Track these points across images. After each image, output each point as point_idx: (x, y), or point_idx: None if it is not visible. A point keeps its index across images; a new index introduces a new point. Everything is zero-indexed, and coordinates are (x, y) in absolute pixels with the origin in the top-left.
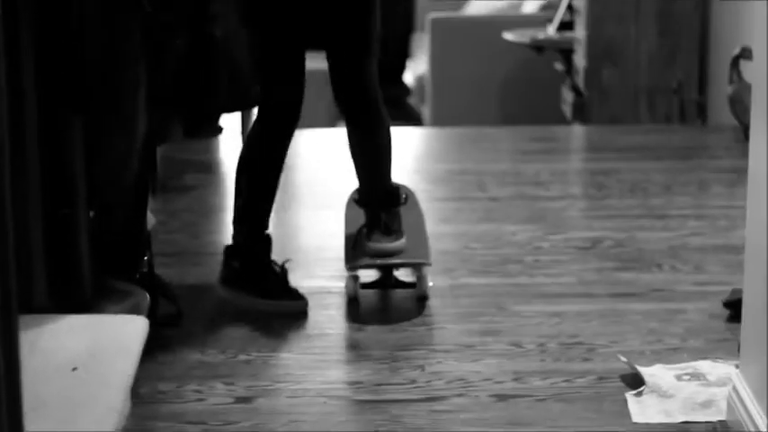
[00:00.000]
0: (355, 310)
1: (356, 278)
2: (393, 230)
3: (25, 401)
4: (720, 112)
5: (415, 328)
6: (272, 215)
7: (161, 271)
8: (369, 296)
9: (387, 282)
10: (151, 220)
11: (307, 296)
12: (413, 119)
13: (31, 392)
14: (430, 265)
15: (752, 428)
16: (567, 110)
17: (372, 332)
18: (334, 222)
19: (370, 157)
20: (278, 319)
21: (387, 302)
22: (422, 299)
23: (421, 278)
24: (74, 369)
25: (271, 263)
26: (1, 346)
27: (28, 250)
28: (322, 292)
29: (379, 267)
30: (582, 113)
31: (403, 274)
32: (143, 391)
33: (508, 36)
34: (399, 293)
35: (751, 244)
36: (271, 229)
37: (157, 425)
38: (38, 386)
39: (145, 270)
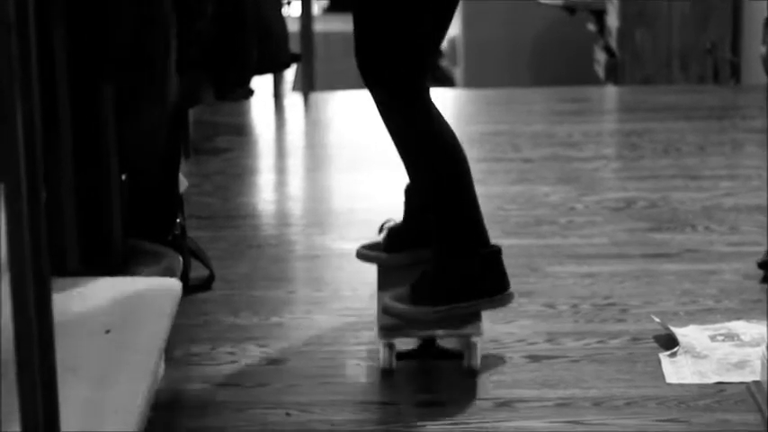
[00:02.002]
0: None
1: (392, 346)
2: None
3: (59, 364)
4: (754, 71)
5: None
6: (303, 177)
7: (193, 234)
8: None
9: (428, 351)
10: (183, 182)
11: (338, 258)
12: (445, 81)
13: (64, 355)
14: (481, 336)
15: None
16: (600, 70)
17: None
18: (363, 185)
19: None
20: (310, 282)
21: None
22: (471, 372)
23: (471, 347)
24: (107, 332)
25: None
26: (35, 310)
27: (60, 213)
28: (354, 254)
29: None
30: (615, 74)
31: (448, 341)
32: (176, 354)
33: None
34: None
35: None
36: (301, 191)
37: (191, 387)
38: (71, 349)
39: (177, 233)
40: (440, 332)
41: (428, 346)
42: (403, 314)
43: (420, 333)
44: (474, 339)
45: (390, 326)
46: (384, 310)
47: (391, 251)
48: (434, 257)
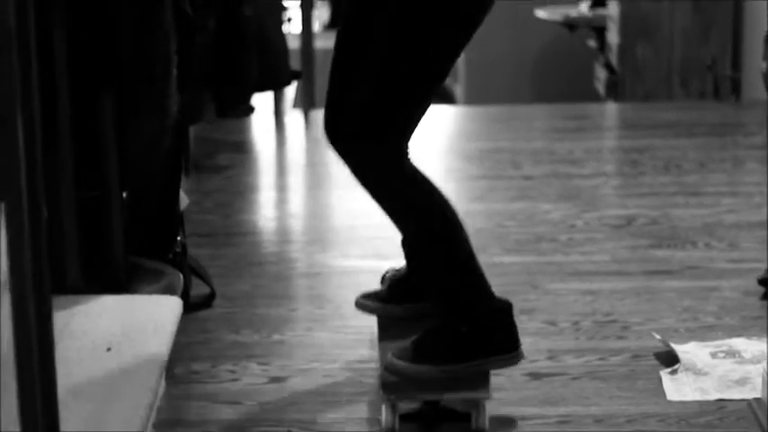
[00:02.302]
0: None
1: (395, 407)
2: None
3: (60, 382)
4: (755, 88)
5: None
6: (304, 194)
7: (194, 251)
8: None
9: (433, 412)
10: (184, 200)
11: (340, 276)
12: (446, 98)
13: (65, 373)
14: (489, 398)
15: None
16: (601, 87)
17: None
18: (364, 202)
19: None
20: (312, 300)
21: None
22: None
23: (479, 408)
24: (108, 349)
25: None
26: (35, 328)
27: (61, 231)
28: (355, 271)
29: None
30: (615, 91)
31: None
32: (177, 372)
33: (540, 14)
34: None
35: None
36: (302, 209)
37: (191, 404)
38: (72, 367)
39: (178, 250)
40: (445, 394)
41: (433, 405)
42: (405, 372)
43: (424, 395)
44: (482, 400)
45: (393, 385)
46: (386, 368)
47: (392, 302)
48: (437, 314)
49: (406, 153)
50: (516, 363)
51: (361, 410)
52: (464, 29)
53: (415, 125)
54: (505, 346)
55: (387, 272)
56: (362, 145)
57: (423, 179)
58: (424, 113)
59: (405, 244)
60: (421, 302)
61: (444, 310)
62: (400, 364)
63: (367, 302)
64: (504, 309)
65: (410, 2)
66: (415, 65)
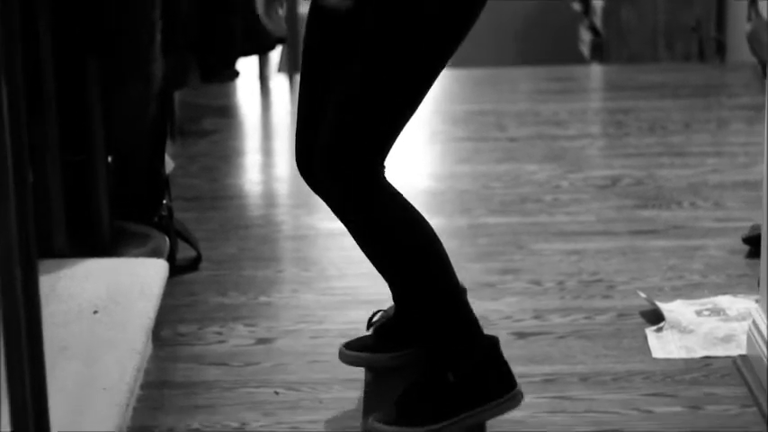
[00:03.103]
0: None
1: None
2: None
3: (47, 345)
4: (739, 49)
5: None
6: (290, 158)
7: (180, 215)
8: None
9: None
10: (170, 164)
11: (326, 238)
12: None
13: (52, 336)
14: None
15: None
16: (585, 49)
17: None
18: None
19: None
20: (298, 262)
21: None
22: None
23: None
24: (95, 312)
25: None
26: (22, 291)
27: (47, 195)
28: (341, 233)
29: None
30: (600, 53)
31: None
32: (164, 334)
33: None
34: None
35: None
36: (287, 172)
37: (178, 366)
38: (59, 330)
39: (164, 214)
40: None
41: None
42: None
43: None
44: None
45: None
46: None
47: (380, 351)
48: (424, 363)
49: (384, 174)
50: (518, 404)
51: (347, 371)
52: (457, 37)
53: (395, 141)
54: (502, 387)
55: (373, 314)
56: (341, 168)
57: (403, 201)
58: (405, 126)
59: (393, 285)
60: (413, 347)
61: (431, 354)
62: (381, 428)
63: (352, 355)
64: (494, 344)
65: (397, 10)
66: (403, 78)
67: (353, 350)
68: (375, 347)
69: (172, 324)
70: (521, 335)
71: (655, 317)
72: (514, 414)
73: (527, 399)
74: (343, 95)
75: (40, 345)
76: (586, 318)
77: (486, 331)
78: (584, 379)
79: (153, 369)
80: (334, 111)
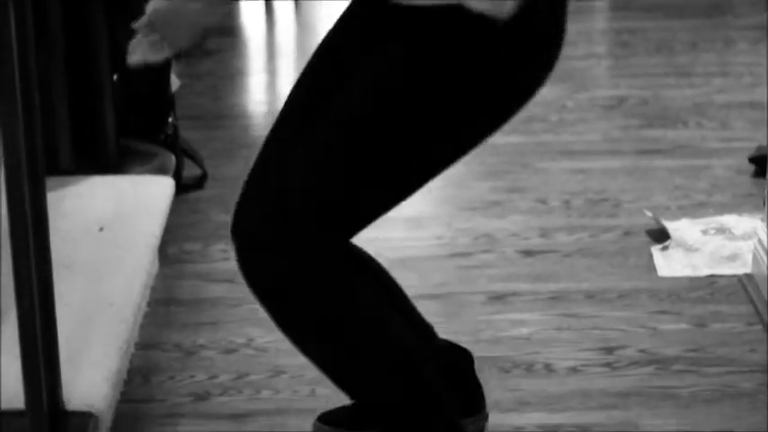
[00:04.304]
0: None
1: None
2: None
3: (54, 261)
4: None
5: (442, 186)
6: (293, 78)
7: (185, 133)
8: None
9: None
10: (175, 82)
11: None
12: None
13: (59, 253)
14: None
15: None
16: None
17: None
18: None
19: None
20: None
21: None
22: None
23: None
24: (100, 229)
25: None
26: (30, 208)
27: (53, 113)
28: None
29: None
30: None
31: None
32: (170, 251)
33: None
34: None
35: None
36: None
37: (185, 283)
38: (66, 246)
39: (170, 132)
40: None
41: None
42: None
43: None
44: None
45: None
46: None
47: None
48: None
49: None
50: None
51: None
52: (505, 112)
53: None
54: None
55: None
56: (296, 231)
57: (375, 302)
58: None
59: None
60: None
61: None
62: None
63: (324, 428)
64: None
65: (443, 45)
66: (419, 141)
67: (326, 424)
68: (352, 424)
69: (178, 242)
70: (527, 253)
71: (660, 235)
72: (520, 331)
73: (534, 315)
74: (333, 121)
75: (49, 262)
76: (592, 236)
77: (493, 248)
78: (589, 296)
79: (159, 286)
80: (314, 140)
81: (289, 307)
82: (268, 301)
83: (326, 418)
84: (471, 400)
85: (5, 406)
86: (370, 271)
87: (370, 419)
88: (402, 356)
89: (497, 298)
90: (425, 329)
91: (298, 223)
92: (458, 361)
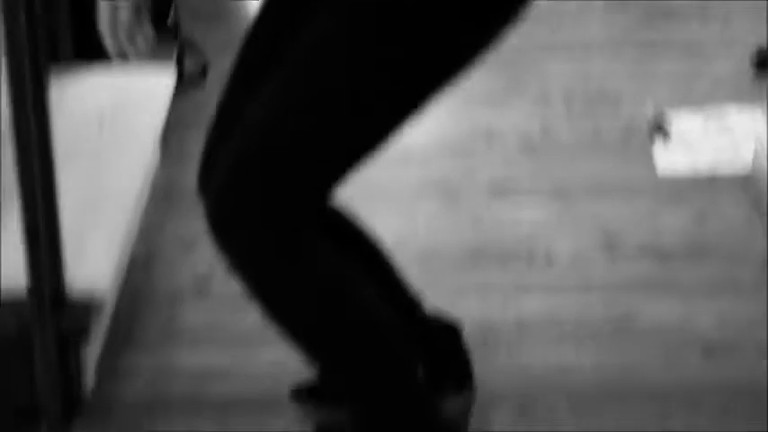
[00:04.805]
0: None
1: None
2: None
3: (55, 152)
4: None
5: None
6: None
7: (188, 26)
8: None
9: None
10: None
11: None
12: None
13: (60, 144)
14: None
15: None
16: None
17: None
18: None
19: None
20: None
21: None
22: None
23: None
24: (101, 120)
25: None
26: (31, 99)
27: (53, 3)
28: None
29: None
30: None
31: None
32: (171, 143)
33: None
34: None
35: None
36: None
37: (187, 175)
38: (67, 137)
39: (170, 24)
40: None
41: None
42: None
43: None
44: None
45: None
46: None
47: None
48: None
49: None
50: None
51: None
52: (493, 31)
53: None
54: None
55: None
56: (255, 202)
57: (340, 273)
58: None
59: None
60: None
61: None
62: None
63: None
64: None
65: None
66: (395, 74)
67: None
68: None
69: (179, 133)
70: (528, 148)
71: (661, 131)
72: (521, 223)
73: (535, 211)
74: (289, 74)
75: (50, 152)
76: (593, 131)
77: (492, 146)
78: (590, 191)
79: (161, 182)
80: (267, 100)
81: (257, 276)
82: (237, 269)
83: (297, 395)
84: (459, 376)
85: (9, 296)
86: (348, 240)
87: (337, 394)
88: (368, 330)
89: (498, 192)
90: (410, 303)
91: (267, 190)
92: (445, 336)
